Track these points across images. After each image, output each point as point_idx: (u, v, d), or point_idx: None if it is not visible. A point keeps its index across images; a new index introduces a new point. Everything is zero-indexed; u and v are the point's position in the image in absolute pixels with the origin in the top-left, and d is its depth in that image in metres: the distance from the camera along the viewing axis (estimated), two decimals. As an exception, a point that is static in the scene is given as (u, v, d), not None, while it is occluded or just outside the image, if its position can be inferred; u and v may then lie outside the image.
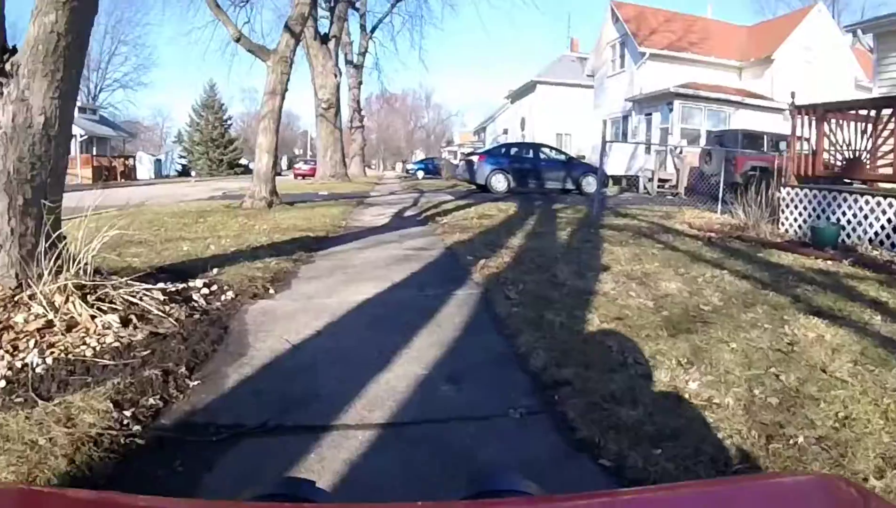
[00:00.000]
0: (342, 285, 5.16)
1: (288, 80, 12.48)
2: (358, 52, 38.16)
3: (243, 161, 67.38)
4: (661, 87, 23.44)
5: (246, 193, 12.58)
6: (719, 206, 13.17)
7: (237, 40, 12.26)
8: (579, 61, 39.04)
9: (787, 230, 9.80)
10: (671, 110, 23.04)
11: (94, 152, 39.06)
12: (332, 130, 25.47)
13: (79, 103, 41.26)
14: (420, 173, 43.47)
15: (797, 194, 9.76)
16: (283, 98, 12.42)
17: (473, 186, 20.56)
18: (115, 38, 55.14)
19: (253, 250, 6.39)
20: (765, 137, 19.35)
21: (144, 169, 53.00)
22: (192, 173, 54.60)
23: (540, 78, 38.46)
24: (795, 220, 9.72)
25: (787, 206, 9.92)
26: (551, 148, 21.54)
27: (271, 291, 4.87)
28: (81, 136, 38.49)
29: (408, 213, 12.26)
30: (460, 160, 21.22)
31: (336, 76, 25.47)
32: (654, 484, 2.02)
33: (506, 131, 45.90)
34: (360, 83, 38.49)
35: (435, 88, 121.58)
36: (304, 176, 36.93)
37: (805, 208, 9.55)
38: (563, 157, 20.82)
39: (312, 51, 25.39)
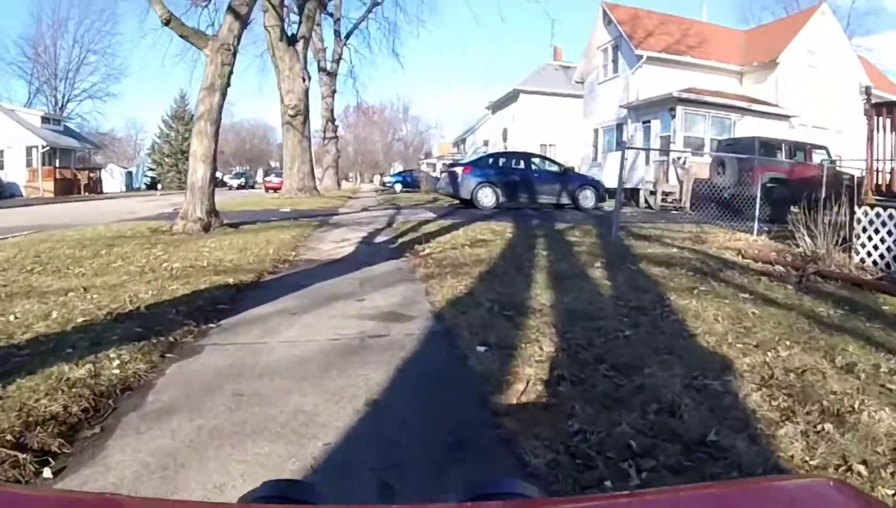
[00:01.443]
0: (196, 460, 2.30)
1: (230, 72, 10.06)
2: (332, 58, 35.95)
3: (217, 174, 65.17)
4: (658, 92, 21.69)
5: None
6: (755, 226, 11.01)
7: (167, 23, 9.82)
8: (563, 70, 38.27)
9: (863, 260, 7.66)
10: (673, 117, 21.02)
11: (58, 165, 37.34)
12: (299, 140, 22.95)
13: (41, 113, 39.56)
14: (398, 186, 41.17)
15: (878, 215, 7.64)
16: (223, 95, 10.00)
17: (457, 201, 18.36)
18: (84, 46, 52.60)
19: (113, 322, 3.90)
20: (783, 145, 17.24)
21: (115, 182, 51.98)
22: (159, 187, 52.27)
23: (523, 87, 37.03)
24: (876, 247, 7.60)
25: (865, 229, 7.76)
26: (543, 158, 19.29)
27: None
28: (43, 147, 36.90)
29: (380, 237, 9.83)
30: (442, 172, 18.94)
31: (304, 80, 23.01)
32: (655, 487, 1.87)
33: (486, 143, 44.57)
34: (335, 91, 36.19)
35: (413, 101, 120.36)
36: (275, 189, 34.48)
37: (891, 233, 7.45)
38: (556, 168, 18.59)
39: (278, 53, 22.93)
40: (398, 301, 4.97)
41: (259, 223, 11.27)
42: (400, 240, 9.20)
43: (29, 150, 38.71)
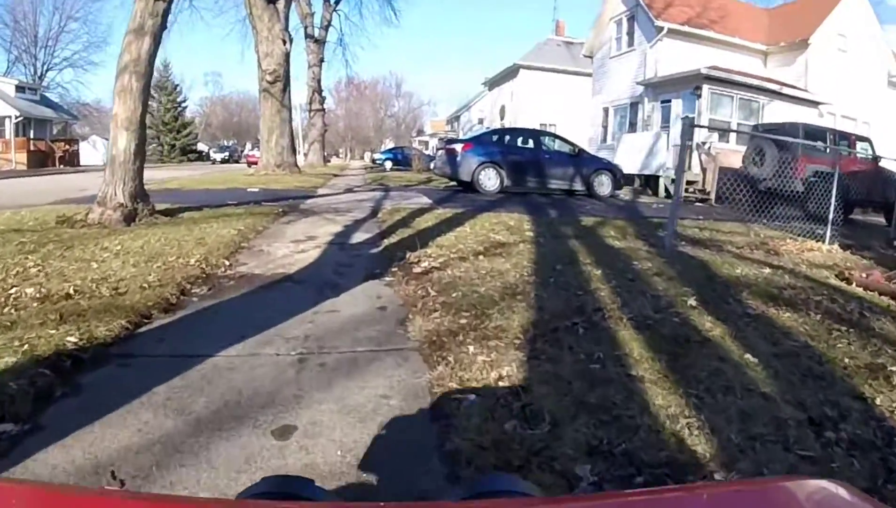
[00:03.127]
0: None
1: (167, 11, 7.62)
2: (320, 25, 33.27)
3: (202, 147, 62.45)
4: (678, 69, 19.38)
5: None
6: (828, 232, 8.78)
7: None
8: (566, 46, 36.29)
9: None
10: (698, 97, 18.68)
11: (32, 136, 34.75)
12: (278, 109, 20.36)
13: (15, 82, 36.66)
14: (388, 164, 38.65)
15: None
16: (156, 42, 7.54)
17: (454, 184, 16.06)
18: (64, 14, 48.85)
19: None
20: (827, 134, 14.95)
21: (98, 154, 48.83)
22: (135, 159, 49.35)
23: (524, 62, 34.54)
24: None
25: None
26: (555, 137, 16.86)
27: None
28: (16, 117, 34.38)
29: (358, 235, 7.44)
30: (438, 149, 16.50)
31: (285, 42, 20.39)
32: (650, 487, 1.85)
33: (481, 121, 42.51)
34: (322, 60, 33.59)
35: (406, 77, 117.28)
36: (256, 164, 31.90)
37: None
38: (569, 148, 16.24)
39: (256, 11, 20.33)
40: (371, 445, 2.30)
41: (206, 210, 8.86)
42: (385, 241, 6.83)
43: (1, 120, 36.15)
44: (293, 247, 6.38)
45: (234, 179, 17.74)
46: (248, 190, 13.88)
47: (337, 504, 1.11)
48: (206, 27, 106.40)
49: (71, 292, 4.22)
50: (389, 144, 60.53)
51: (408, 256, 5.72)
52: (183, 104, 57.90)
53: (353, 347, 3.36)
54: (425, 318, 3.75)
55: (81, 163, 37.65)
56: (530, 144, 15.90)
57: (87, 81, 73.44)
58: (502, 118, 35.83)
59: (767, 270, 5.88)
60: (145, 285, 4.39)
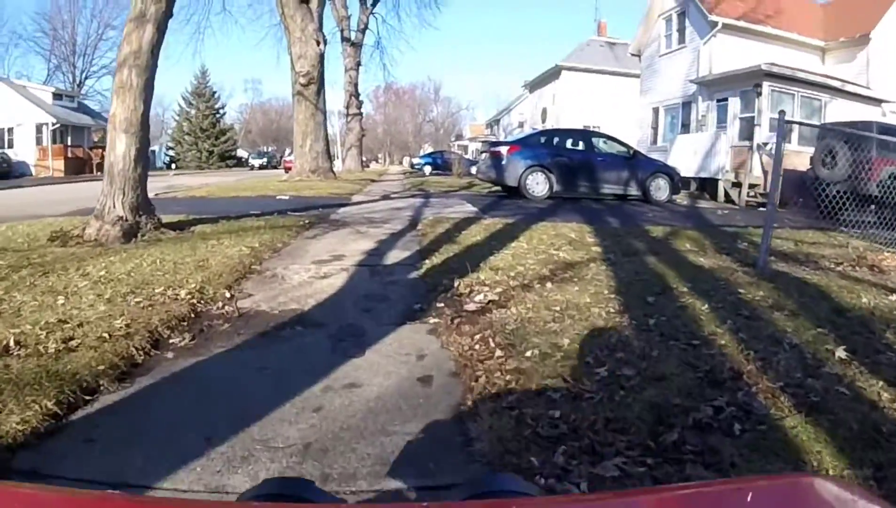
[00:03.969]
0: None
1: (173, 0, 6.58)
2: (356, 28, 32.38)
3: (242, 153, 62.54)
4: (732, 67, 17.86)
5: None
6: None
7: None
8: (608, 46, 35.10)
9: None
10: (759, 95, 17.02)
11: (70, 143, 35.01)
12: (312, 113, 19.38)
13: (52, 90, 36.86)
14: (427, 169, 37.51)
15: None
16: (160, 31, 6.49)
17: (498, 189, 14.95)
18: (102, 21, 49.04)
19: None
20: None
21: None
22: (173, 166, 49.70)
23: (566, 63, 33.24)
24: None
25: None
26: (608, 138, 15.45)
27: None
28: (54, 124, 34.78)
29: (393, 253, 6.20)
30: (481, 152, 15.31)
31: (319, 43, 19.39)
32: (649, 486, 1.79)
33: (521, 124, 41.36)
34: (359, 64, 32.71)
35: (444, 81, 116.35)
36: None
37: None
38: (623, 150, 14.90)
39: (288, 11, 19.41)
40: None
41: (223, 222, 7.78)
42: (427, 261, 5.58)
43: (39, 127, 36.37)
44: (314, 270, 5.21)
45: (266, 186, 16.77)
46: (278, 198, 12.86)
47: (337, 506, 1.11)
48: (241, 33, 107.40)
49: (11, 343, 3.13)
50: (428, 149, 59.67)
51: (456, 284, 4.49)
52: (221, 111, 57.82)
53: (379, 479, 2.04)
54: (493, 406, 2.47)
55: (120, 170, 37.64)
56: (581, 145, 14.62)
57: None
58: (544, 121, 34.49)
59: (894, 297, 4.51)
60: (108, 333, 3.26)
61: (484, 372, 2.79)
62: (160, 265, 4.98)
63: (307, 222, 8.28)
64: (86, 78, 49.54)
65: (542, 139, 14.83)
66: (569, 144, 14.64)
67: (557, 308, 3.77)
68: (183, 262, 5.10)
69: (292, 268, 5.26)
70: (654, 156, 19.55)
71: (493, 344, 3.12)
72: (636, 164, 14.55)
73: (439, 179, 25.64)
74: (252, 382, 2.83)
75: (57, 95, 37.45)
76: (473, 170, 33.09)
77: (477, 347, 3.14)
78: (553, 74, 33.81)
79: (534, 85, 37.81)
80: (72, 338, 3.24)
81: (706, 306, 4.05)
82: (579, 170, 13.98)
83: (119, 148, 6.32)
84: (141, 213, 6.55)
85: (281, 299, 4.24)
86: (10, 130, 36.50)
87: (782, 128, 6.11)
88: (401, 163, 67.81)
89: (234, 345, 3.32)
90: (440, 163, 37.88)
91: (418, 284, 4.82)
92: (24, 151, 36.16)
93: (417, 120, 79.21)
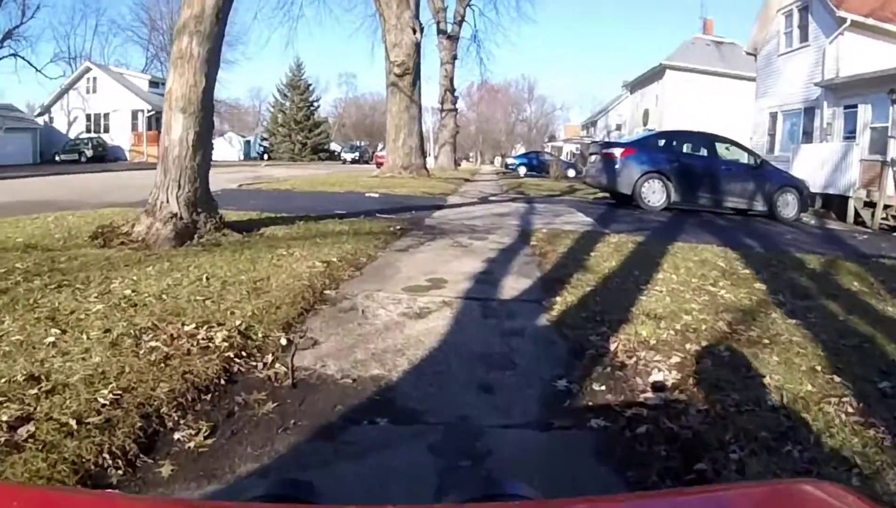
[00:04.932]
0: None
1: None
2: (453, 20, 31.14)
3: (335, 146, 62.93)
4: (862, 69, 15.32)
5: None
6: None
7: None
8: (715, 45, 32.58)
9: None
10: (893, 102, 14.43)
11: None
12: (406, 105, 18.23)
13: (149, 77, 37.91)
14: (522, 170, 35.98)
15: None
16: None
17: (605, 195, 13.45)
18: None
19: None
20: None
21: (234, 150, 52.74)
22: (265, 157, 50.46)
23: (671, 62, 30.84)
24: None
25: None
26: (732, 143, 13.39)
27: None
28: (149, 111, 35.67)
29: (509, 284, 4.62)
30: (591, 153, 13.65)
31: (415, 31, 18.18)
32: (651, 490, 1.73)
33: (619, 127, 39.55)
34: (455, 57, 31.49)
35: (538, 80, 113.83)
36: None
37: None
38: (750, 159, 12.95)
39: (385, -2, 18.37)
40: None
41: (301, 223, 6.55)
42: (556, 299, 4.04)
43: (135, 113, 37.39)
44: (406, 303, 3.81)
45: (355, 182, 15.70)
46: (367, 195, 11.71)
47: (337, 507, 1.12)
48: (336, 24, 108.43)
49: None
50: (521, 149, 58.01)
51: (614, 348, 3.00)
52: (315, 103, 58.37)
53: None
54: None
55: (214, 158, 38.53)
56: (702, 151, 12.74)
57: (222, 79, 76.07)
58: (645, 123, 32.21)
59: None
60: (82, 415, 1.99)
61: None
62: (204, 285, 3.73)
63: (398, 228, 6.95)
64: (181, 67, 51.13)
65: (661, 142, 13.05)
66: (689, 148, 12.79)
67: (772, 403, 2.23)
68: (235, 280, 3.84)
69: (377, 298, 3.88)
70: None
71: None
72: (763, 175, 12.56)
73: (536, 182, 24.03)
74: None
75: (153, 83, 38.42)
76: (571, 173, 31.52)
77: None
78: (656, 74, 31.57)
79: (634, 85, 35.53)
80: (28, 419, 1.99)
81: None
82: (700, 178, 12.15)
83: (175, 131, 5.16)
84: (199, 210, 5.39)
85: (359, 356, 2.86)
86: (107, 116, 37.91)
87: None
88: (492, 162, 66.47)
89: (272, 458, 1.96)
90: (535, 164, 36.36)
91: (553, 338, 3.33)
92: (119, 136, 37.44)
93: (510, 119, 77.72)
